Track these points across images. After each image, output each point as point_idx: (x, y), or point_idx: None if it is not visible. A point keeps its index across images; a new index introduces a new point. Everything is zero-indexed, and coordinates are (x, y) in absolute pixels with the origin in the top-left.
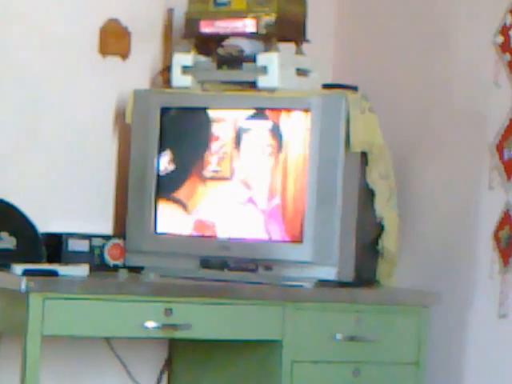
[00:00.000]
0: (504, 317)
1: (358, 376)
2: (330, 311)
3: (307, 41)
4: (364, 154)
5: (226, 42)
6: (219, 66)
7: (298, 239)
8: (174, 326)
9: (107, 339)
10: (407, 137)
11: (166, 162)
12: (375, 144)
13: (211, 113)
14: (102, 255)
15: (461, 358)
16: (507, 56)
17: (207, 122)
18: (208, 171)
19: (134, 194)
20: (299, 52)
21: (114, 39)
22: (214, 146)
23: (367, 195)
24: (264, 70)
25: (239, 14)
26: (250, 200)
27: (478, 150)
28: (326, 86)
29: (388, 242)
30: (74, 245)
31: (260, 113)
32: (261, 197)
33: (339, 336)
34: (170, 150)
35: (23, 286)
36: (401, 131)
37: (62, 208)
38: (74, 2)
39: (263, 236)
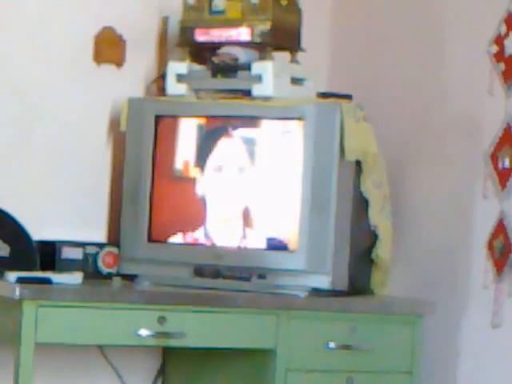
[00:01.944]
0: (498, 326)
1: None
2: (324, 320)
3: (302, 50)
4: (358, 163)
5: (221, 51)
6: (214, 75)
7: (291, 248)
8: (167, 335)
9: (101, 347)
10: (401, 146)
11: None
12: (369, 153)
13: (205, 121)
14: (95, 263)
15: (454, 368)
16: (501, 65)
17: (202, 130)
18: (202, 180)
19: (128, 201)
20: (294, 61)
21: (109, 47)
22: (208, 155)
23: (361, 204)
24: (259, 78)
25: (234, 23)
26: (244, 208)
27: (472, 159)
28: (321, 95)
29: (382, 250)
30: (68, 253)
31: (254, 121)
32: (254, 205)
33: (333, 345)
34: (164, 159)
35: (17, 294)
36: (395, 140)
37: (56, 216)
38: (69, 9)
39: (257, 244)
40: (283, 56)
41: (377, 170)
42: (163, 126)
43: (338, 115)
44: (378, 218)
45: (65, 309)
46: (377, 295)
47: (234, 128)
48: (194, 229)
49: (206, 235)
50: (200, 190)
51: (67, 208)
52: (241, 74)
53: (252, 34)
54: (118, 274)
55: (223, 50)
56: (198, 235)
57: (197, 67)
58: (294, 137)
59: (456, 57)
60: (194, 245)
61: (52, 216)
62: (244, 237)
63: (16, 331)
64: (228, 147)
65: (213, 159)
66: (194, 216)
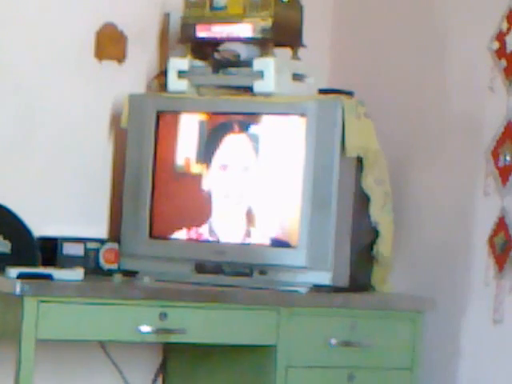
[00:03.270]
0: (499, 322)
1: (353, 381)
2: (325, 316)
3: (303, 46)
4: (359, 159)
5: (222, 47)
6: (215, 71)
7: (292, 244)
8: (168, 331)
9: (102, 343)
10: (402, 142)
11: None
12: (370, 149)
13: (207, 117)
14: (96, 259)
15: (455, 364)
16: (503, 62)
17: (203, 126)
18: (206, 177)
19: (130, 198)
20: (295, 57)
21: (110, 43)
22: (214, 151)
23: (362, 200)
24: (260, 74)
25: (235, 19)
26: (246, 205)
27: (473, 155)
28: (322, 91)
29: (383, 247)
30: (69, 249)
31: (256, 117)
32: (256, 202)
33: (334, 341)
34: (165, 155)
35: (18, 290)
36: (396, 136)
37: (57, 212)
38: (70, 5)
39: (258, 241)
40: (284, 52)
41: (378, 166)
42: (164, 122)
43: (340, 111)
44: (379, 214)
45: (66, 305)
46: (378, 292)
47: (239, 125)
48: (195, 225)
49: (208, 231)
50: (203, 186)
51: (68, 204)
52: (242, 70)
53: (253, 30)
54: (119, 270)
55: (224, 46)
56: (200, 231)
57: (198, 63)
58: (295, 133)
59: (457, 53)
60: (195, 241)
61: (53, 212)
62: (245, 233)
63: (17, 327)
64: (234, 144)
65: (218, 156)
66: (196, 212)
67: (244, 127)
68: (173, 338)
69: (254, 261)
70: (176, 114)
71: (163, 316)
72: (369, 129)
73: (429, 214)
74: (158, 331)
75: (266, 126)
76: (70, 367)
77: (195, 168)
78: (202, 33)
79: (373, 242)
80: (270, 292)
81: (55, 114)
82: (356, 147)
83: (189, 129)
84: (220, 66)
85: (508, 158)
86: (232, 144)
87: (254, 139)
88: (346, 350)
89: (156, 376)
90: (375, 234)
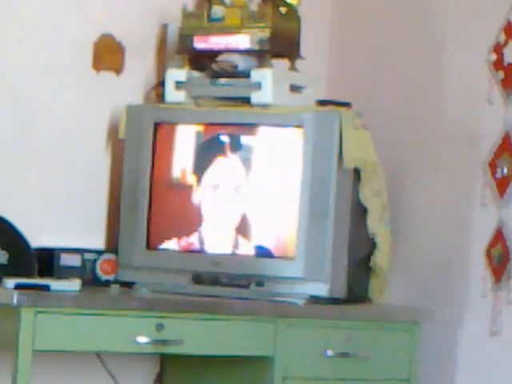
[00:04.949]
0: (496, 334)
1: None
2: (322, 327)
3: (301, 57)
4: (357, 171)
5: (220, 58)
6: (213, 82)
7: (290, 255)
8: (165, 342)
9: (98, 354)
10: (400, 154)
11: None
12: (368, 161)
13: (204, 128)
14: (93, 270)
15: (452, 376)
16: (500, 74)
17: (200, 137)
18: (199, 188)
19: (127, 208)
20: (293, 68)
21: (108, 54)
22: (208, 162)
23: (360, 212)
24: (258, 85)
25: (233, 30)
26: (243, 215)
27: (470, 167)
28: (320, 103)
29: (380, 258)
30: (66, 259)
31: (253, 129)
32: (253, 212)
33: (331, 352)
34: (162, 166)
35: (15, 300)
36: (394, 148)
37: (55, 222)
38: (68, 16)
39: (255, 252)
40: (282, 63)
41: (375, 178)
42: (162, 133)
43: (337, 123)
44: (377, 226)
45: (63, 316)
46: (375, 303)
47: (233, 136)
48: (192, 236)
49: (205, 242)
50: (198, 197)
51: (66, 215)
52: (240, 81)
53: (251, 41)
54: (116, 281)
55: (222, 57)
56: (196, 242)
57: (196, 74)
58: (292, 144)
59: (455, 65)
60: (193, 252)
61: (50, 223)
62: (242, 244)
63: (14, 338)
64: (231, 155)
65: (212, 168)
66: (192, 223)
67: (241, 138)
68: (169, 349)
69: (251, 272)
70: (173, 125)
71: (160, 327)
72: (366, 140)
73: (426, 225)
74: (155, 342)
75: (264, 137)
76: (67, 378)
77: (192, 179)
78: (199, 44)
79: (370, 254)
80: (266, 303)
81: (53, 124)
82: (353, 159)
83: (186, 140)
84: (218, 77)
85: (505, 169)
86: (230, 155)
87: (252, 150)
88: (342, 361)
89: None
90: (372, 245)
